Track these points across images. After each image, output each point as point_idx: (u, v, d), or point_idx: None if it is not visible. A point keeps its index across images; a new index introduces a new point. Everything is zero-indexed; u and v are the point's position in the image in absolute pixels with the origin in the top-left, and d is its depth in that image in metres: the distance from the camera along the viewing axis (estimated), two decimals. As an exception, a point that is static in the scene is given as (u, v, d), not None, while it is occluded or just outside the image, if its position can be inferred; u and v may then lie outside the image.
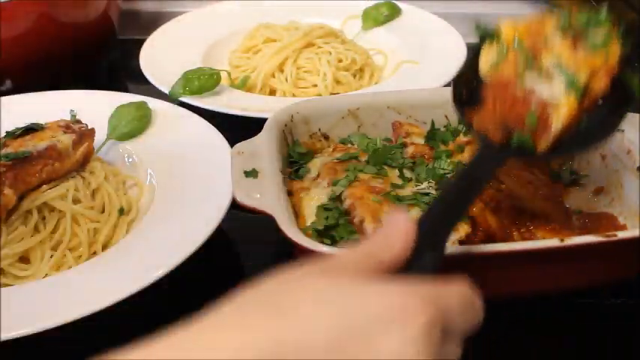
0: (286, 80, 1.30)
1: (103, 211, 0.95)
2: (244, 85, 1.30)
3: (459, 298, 0.50)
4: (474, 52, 0.83)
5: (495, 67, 0.78)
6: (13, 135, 0.96)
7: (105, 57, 1.51)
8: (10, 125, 1.02)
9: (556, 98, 0.74)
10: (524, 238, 0.82)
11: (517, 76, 0.76)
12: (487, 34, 0.81)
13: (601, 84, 0.75)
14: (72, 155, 0.95)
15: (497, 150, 0.73)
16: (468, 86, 0.82)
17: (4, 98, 1.15)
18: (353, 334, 0.44)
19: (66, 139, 0.95)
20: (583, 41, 0.76)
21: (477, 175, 0.69)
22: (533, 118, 0.73)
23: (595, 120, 0.75)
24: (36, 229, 0.90)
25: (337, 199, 0.84)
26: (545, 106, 0.74)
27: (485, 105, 0.76)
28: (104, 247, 0.91)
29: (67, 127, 0.98)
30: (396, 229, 0.53)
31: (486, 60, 0.80)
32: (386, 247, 0.52)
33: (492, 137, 0.74)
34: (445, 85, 1.18)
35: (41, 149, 0.92)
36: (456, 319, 0.49)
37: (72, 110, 1.05)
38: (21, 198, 0.89)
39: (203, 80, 1.19)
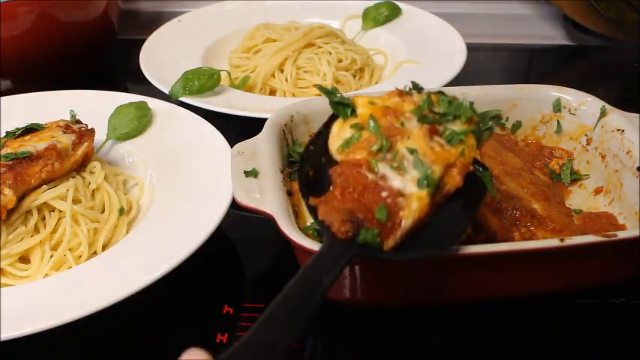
0: (286, 80, 1.30)
1: (103, 211, 0.95)
2: (244, 85, 1.30)
3: None
4: (324, 125, 0.76)
5: (345, 147, 0.71)
6: (13, 135, 0.96)
7: (105, 57, 1.51)
8: (10, 125, 1.02)
9: (408, 190, 0.67)
10: (524, 238, 0.82)
11: (368, 159, 0.69)
12: (342, 106, 0.74)
13: (455, 179, 0.70)
14: (72, 155, 0.95)
15: (340, 246, 0.63)
16: (315, 164, 0.74)
17: (4, 98, 1.15)
18: None
19: (66, 139, 0.95)
20: (440, 132, 0.71)
21: (319, 275, 0.59)
22: (383, 212, 0.65)
23: (447, 216, 0.70)
24: (36, 229, 0.90)
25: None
26: (395, 197, 0.67)
27: (332, 189, 0.68)
28: (104, 247, 0.91)
29: (66, 127, 0.98)
30: None
31: (337, 137, 0.73)
32: None
33: (337, 231, 0.64)
34: (445, 85, 1.18)
35: (41, 149, 0.92)
36: None
37: (72, 110, 1.05)
38: (21, 198, 0.89)
39: (203, 80, 1.19)
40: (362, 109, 0.73)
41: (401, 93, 0.76)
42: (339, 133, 0.73)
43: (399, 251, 0.67)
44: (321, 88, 0.77)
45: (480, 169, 0.74)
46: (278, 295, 0.57)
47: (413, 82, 0.78)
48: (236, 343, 0.52)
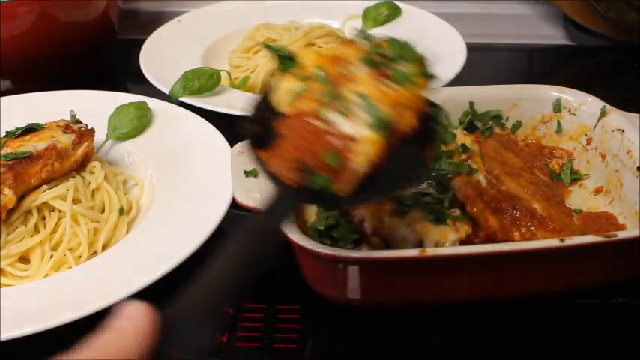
0: (286, 80, 1.30)
1: (103, 211, 0.95)
2: (244, 85, 1.30)
3: None
4: (270, 81, 0.74)
5: (292, 99, 0.69)
6: (13, 135, 0.96)
7: (105, 57, 1.51)
8: (10, 125, 1.02)
9: (360, 134, 0.65)
10: (524, 239, 0.82)
11: (316, 109, 0.67)
12: (286, 59, 0.73)
13: (408, 120, 0.68)
14: (72, 155, 0.95)
15: (293, 195, 0.63)
16: (262, 121, 0.72)
17: (4, 98, 1.15)
18: None
19: (66, 139, 0.95)
20: (389, 75, 0.69)
21: (275, 220, 0.62)
22: (334, 157, 0.64)
23: (402, 158, 0.68)
24: (36, 229, 0.90)
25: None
26: (347, 142, 0.65)
27: (280, 142, 0.66)
28: (104, 247, 0.91)
29: (66, 127, 0.98)
30: (133, 324, 0.50)
31: (282, 90, 0.71)
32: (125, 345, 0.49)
33: (287, 180, 0.63)
34: (445, 85, 1.17)
35: (41, 149, 0.92)
36: None
37: (72, 110, 1.05)
38: (21, 198, 0.89)
39: (203, 80, 1.19)
40: (307, 60, 0.71)
41: (349, 42, 0.74)
42: (285, 87, 0.71)
43: (355, 196, 0.66)
44: (266, 45, 0.77)
45: (433, 109, 0.72)
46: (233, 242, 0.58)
47: (361, 31, 0.76)
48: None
